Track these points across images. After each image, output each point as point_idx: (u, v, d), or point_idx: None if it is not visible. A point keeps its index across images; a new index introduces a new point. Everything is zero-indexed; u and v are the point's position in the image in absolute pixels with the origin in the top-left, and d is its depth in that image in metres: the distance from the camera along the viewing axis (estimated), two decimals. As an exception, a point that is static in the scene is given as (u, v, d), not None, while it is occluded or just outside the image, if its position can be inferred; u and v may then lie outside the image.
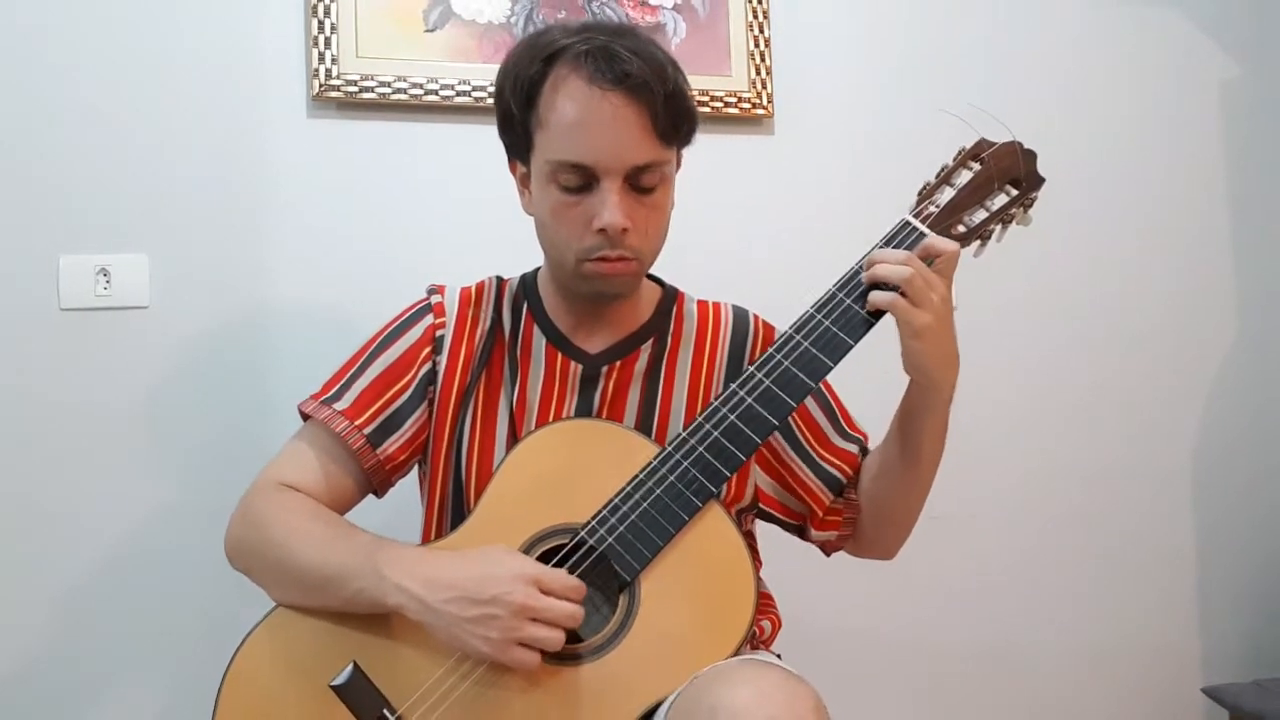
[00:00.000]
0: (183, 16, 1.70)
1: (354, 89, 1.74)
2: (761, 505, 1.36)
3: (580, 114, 1.15)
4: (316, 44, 1.73)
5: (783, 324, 1.35)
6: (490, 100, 1.76)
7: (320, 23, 1.73)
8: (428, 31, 1.79)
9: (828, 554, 1.41)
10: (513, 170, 1.29)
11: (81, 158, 1.65)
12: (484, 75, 1.80)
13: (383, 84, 1.76)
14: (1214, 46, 2.22)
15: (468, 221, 1.80)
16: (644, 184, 1.19)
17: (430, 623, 1.07)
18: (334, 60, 1.74)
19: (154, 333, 1.67)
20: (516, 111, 1.20)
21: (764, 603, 1.34)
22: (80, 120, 1.65)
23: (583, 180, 1.18)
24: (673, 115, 1.19)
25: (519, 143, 1.23)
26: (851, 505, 1.36)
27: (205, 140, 1.70)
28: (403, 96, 1.76)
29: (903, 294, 1.12)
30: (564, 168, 1.17)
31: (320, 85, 1.73)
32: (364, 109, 1.77)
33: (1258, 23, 2.26)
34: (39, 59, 1.64)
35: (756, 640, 1.31)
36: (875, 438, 1.35)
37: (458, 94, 1.79)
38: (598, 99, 1.15)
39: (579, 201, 1.19)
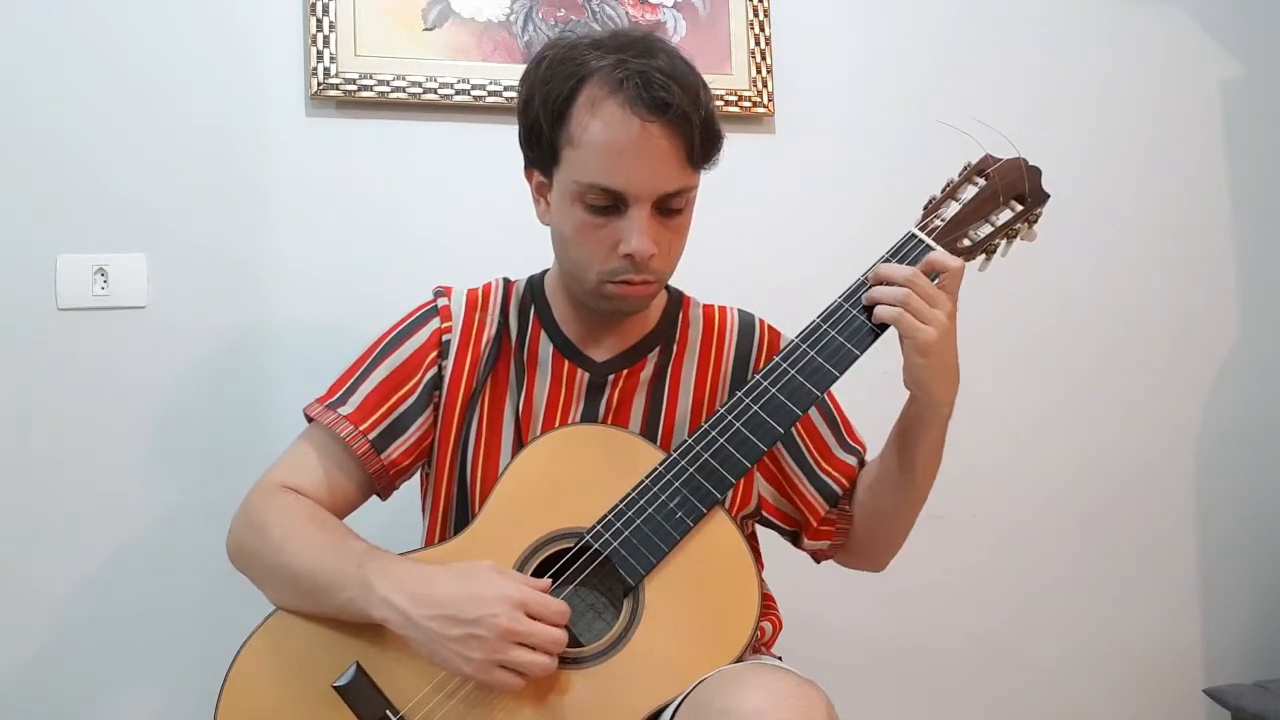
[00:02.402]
0: (181, 15, 1.69)
1: (352, 88, 1.73)
2: (762, 512, 1.37)
3: (615, 140, 1.14)
4: (315, 42, 1.72)
5: (784, 322, 1.36)
6: (489, 99, 1.78)
7: (319, 21, 1.73)
8: (426, 30, 1.78)
9: (818, 562, 1.41)
10: (528, 178, 1.28)
11: (79, 157, 1.64)
12: (483, 74, 1.79)
13: (381, 83, 1.75)
14: (1215, 46, 2.22)
15: (466, 220, 1.79)
16: (671, 208, 1.19)
17: (413, 638, 1.07)
18: (332, 59, 1.73)
19: (152, 332, 1.66)
20: (545, 127, 1.18)
21: (765, 604, 1.34)
22: (77, 119, 1.64)
23: (611, 203, 1.16)
24: (705, 143, 1.18)
25: (543, 157, 1.21)
26: (845, 516, 1.36)
27: (203, 139, 1.69)
28: (401, 95, 1.76)
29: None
30: (593, 189, 1.16)
31: (319, 84, 1.72)
32: (363, 108, 1.76)
33: (1259, 22, 2.25)
34: (36, 57, 1.63)
35: (758, 642, 1.31)
36: (874, 448, 1.35)
37: (456, 93, 1.78)
38: (636, 128, 1.13)
39: (605, 223, 1.17)
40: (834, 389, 1.27)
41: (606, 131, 1.14)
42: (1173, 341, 2.17)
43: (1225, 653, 2.17)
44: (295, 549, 1.15)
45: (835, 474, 1.34)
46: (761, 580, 1.22)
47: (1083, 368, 2.11)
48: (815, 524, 1.34)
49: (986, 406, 1.96)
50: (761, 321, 1.38)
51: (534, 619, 1.04)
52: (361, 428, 1.25)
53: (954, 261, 1.16)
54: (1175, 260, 2.18)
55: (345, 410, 1.26)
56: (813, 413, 1.34)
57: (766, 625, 1.33)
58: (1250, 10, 2.25)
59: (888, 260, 1.18)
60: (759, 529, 1.40)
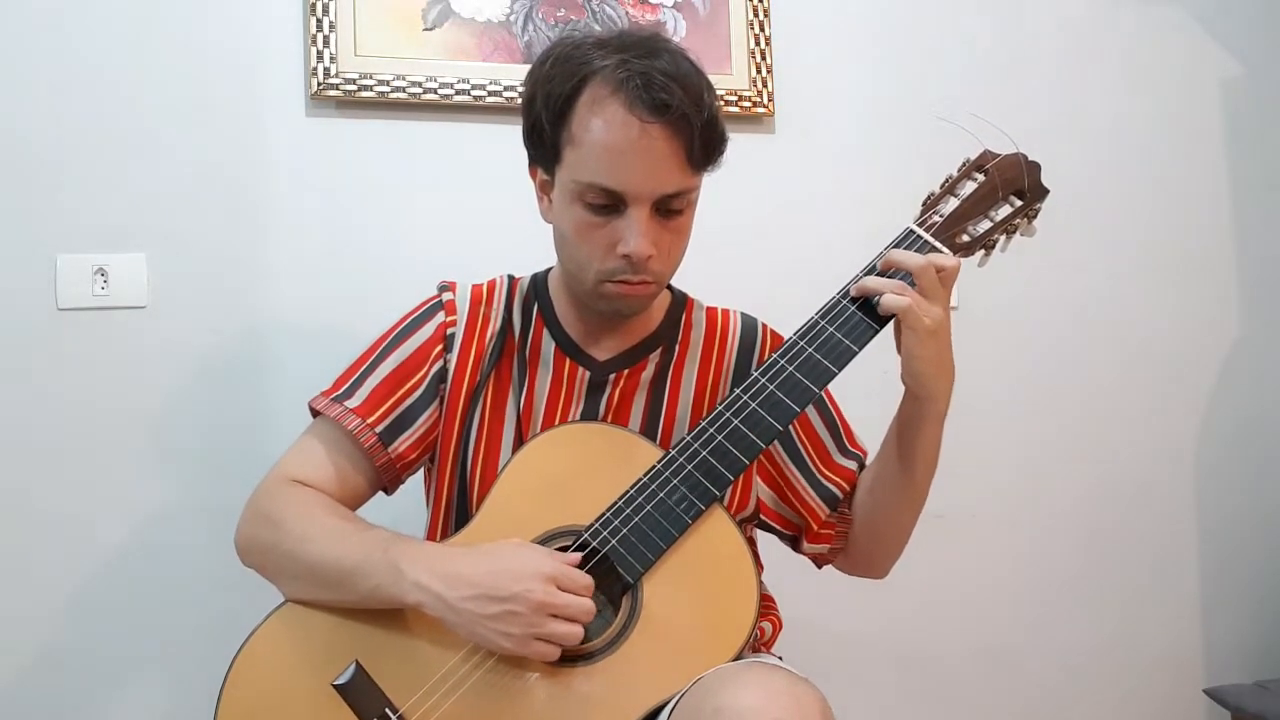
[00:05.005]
0: (181, 15, 1.70)
1: (352, 87, 1.74)
2: (760, 515, 1.36)
3: (615, 140, 1.14)
4: (315, 42, 1.73)
5: (784, 323, 1.35)
6: (489, 99, 1.79)
7: (319, 21, 1.73)
8: (426, 30, 1.79)
9: (819, 566, 1.41)
10: (532, 175, 1.28)
11: (79, 157, 1.64)
12: (483, 74, 1.79)
13: (381, 82, 1.75)
14: (1215, 45, 2.22)
15: (466, 220, 1.79)
16: (671, 209, 1.19)
17: (450, 620, 1.07)
18: (332, 59, 1.73)
19: (152, 332, 1.66)
20: (547, 125, 1.18)
21: (765, 604, 1.34)
22: (77, 119, 1.64)
23: (610, 203, 1.17)
24: (707, 145, 1.18)
25: (546, 155, 1.22)
26: (845, 520, 1.36)
27: (203, 139, 1.69)
28: (401, 95, 1.76)
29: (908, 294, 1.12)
30: (593, 189, 1.16)
31: (319, 84, 1.72)
32: (363, 108, 1.76)
33: (1258, 22, 2.25)
34: (36, 57, 1.63)
35: (757, 642, 1.31)
36: (872, 449, 1.35)
37: (456, 93, 1.78)
38: (635, 129, 1.13)
39: (605, 223, 1.18)
40: (834, 391, 1.27)
41: (606, 132, 1.14)
42: (1173, 341, 2.17)
43: (1225, 653, 2.17)
44: (316, 538, 1.15)
45: (836, 479, 1.34)
46: (760, 579, 1.22)
47: (1082, 368, 2.11)
48: (816, 528, 1.34)
49: (987, 408, 1.96)
50: (764, 325, 1.38)
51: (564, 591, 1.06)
52: (369, 420, 1.25)
53: (950, 260, 1.16)
54: (1175, 260, 2.18)
55: (352, 403, 1.26)
56: (813, 417, 1.34)
57: (766, 625, 1.33)
58: (1250, 10, 2.25)
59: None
60: (759, 533, 1.40)
